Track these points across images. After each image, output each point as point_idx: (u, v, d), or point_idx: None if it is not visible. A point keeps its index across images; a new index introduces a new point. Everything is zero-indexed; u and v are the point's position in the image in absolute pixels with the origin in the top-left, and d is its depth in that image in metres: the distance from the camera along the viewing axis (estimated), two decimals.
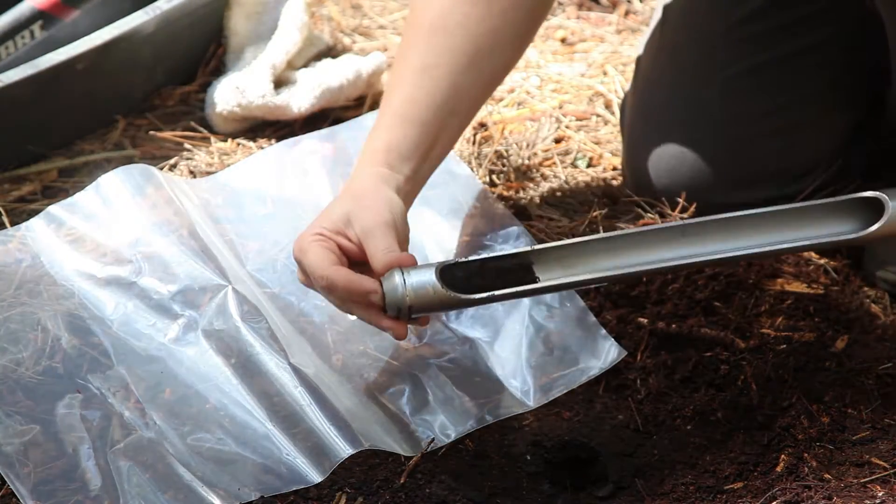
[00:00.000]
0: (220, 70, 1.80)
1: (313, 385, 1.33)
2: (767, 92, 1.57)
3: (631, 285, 1.51)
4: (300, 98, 1.73)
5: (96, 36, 1.62)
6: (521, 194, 1.64)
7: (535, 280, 1.29)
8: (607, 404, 1.41)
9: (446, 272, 1.28)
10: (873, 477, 1.32)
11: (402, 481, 1.30)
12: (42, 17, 1.72)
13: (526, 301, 1.44)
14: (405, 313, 1.28)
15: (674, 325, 1.47)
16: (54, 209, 1.48)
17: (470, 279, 1.29)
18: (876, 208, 1.27)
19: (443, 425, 1.35)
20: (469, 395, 1.38)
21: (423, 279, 1.27)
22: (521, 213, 1.60)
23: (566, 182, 1.68)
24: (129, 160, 1.67)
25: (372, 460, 1.32)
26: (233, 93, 1.71)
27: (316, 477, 1.27)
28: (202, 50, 1.82)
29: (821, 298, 1.51)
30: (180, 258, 1.43)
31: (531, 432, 1.37)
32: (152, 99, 1.77)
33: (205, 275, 1.41)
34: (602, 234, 1.37)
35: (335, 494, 1.29)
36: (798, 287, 1.53)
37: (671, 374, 1.43)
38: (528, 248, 1.31)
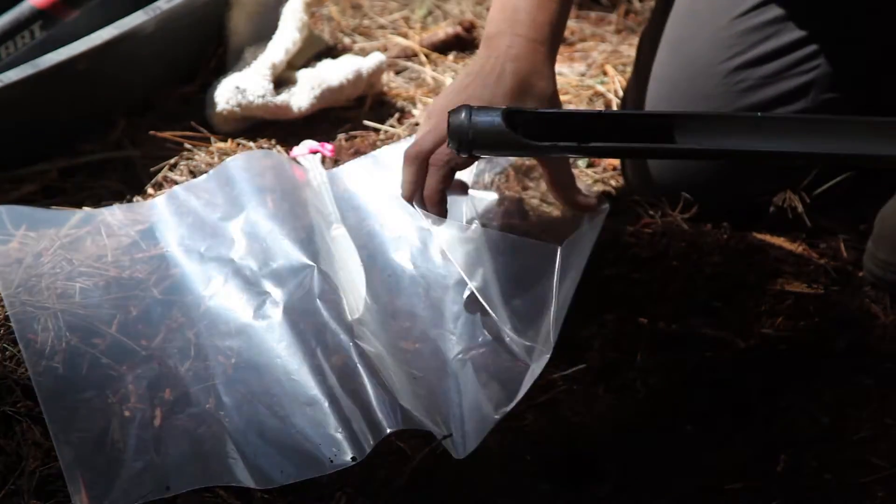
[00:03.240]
0: (220, 70, 1.80)
1: (374, 367, 1.34)
2: (770, 83, 1.57)
3: (632, 284, 1.51)
4: (300, 98, 1.73)
5: (96, 36, 1.62)
6: (521, 194, 1.64)
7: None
8: (607, 404, 1.41)
9: (514, 116, 1.28)
10: (873, 477, 1.32)
11: (402, 481, 1.30)
12: (42, 17, 1.72)
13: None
14: (466, 147, 1.28)
15: (674, 325, 1.47)
16: (179, 189, 1.56)
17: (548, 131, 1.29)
18: None
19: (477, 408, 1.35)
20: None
21: (488, 117, 1.28)
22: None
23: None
24: (129, 160, 1.67)
25: (372, 460, 1.32)
26: (233, 93, 1.71)
27: (357, 453, 1.28)
28: (202, 50, 1.82)
29: (821, 298, 1.52)
30: (279, 238, 1.47)
31: (531, 432, 1.37)
32: (152, 99, 1.77)
33: (296, 255, 1.45)
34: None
35: (335, 494, 1.29)
36: (798, 287, 1.53)
37: (671, 374, 1.43)
38: (608, 111, 1.30)
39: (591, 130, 1.29)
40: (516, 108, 1.30)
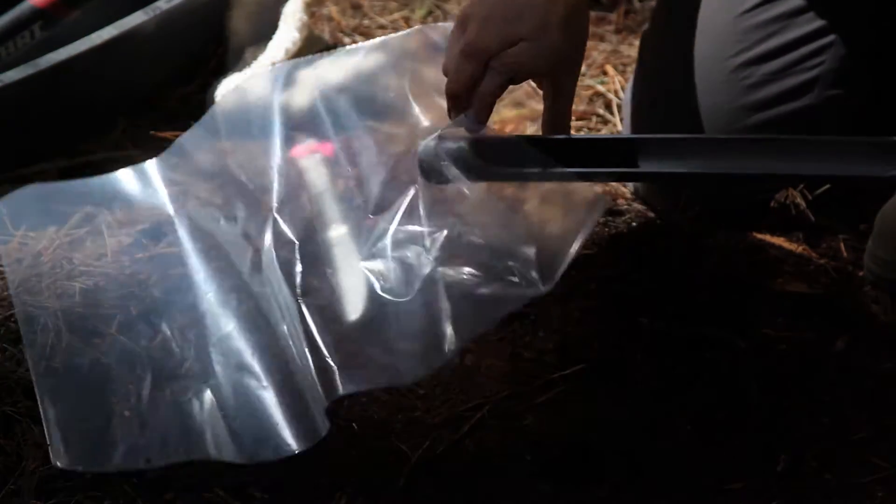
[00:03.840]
0: (220, 70, 1.80)
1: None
2: (774, 79, 1.56)
3: (632, 284, 1.51)
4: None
5: (96, 36, 1.62)
6: (521, 194, 1.64)
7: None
8: (607, 404, 1.41)
9: (480, 143, 1.28)
10: (873, 477, 1.32)
11: (402, 481, 1.30)
12: (42, 17, 1.72)
13: None
14: (435, 175, 1.29)
15: (674, 325, 1.47)
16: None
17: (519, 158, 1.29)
18: None
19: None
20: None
21: (455, 145, 1.28)
22: None
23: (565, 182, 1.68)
24: (129, 160, 1.67)
25: (372, 460, 1.32)
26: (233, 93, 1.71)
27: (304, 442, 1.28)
28: (202, 50, 1.82)
29: (821, 298, 1.52)
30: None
31: (531, 432, 1.37)
32: (152, 99, 1.77)
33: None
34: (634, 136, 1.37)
35: (335, 494, 1.29)
36: (798, 287, 1.53)
37: (671, 374, 1.43)
38: (579, 136, 1.31)
39: (557, 155, 1.29)
40: (483, 136, 1.29)
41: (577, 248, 1.30)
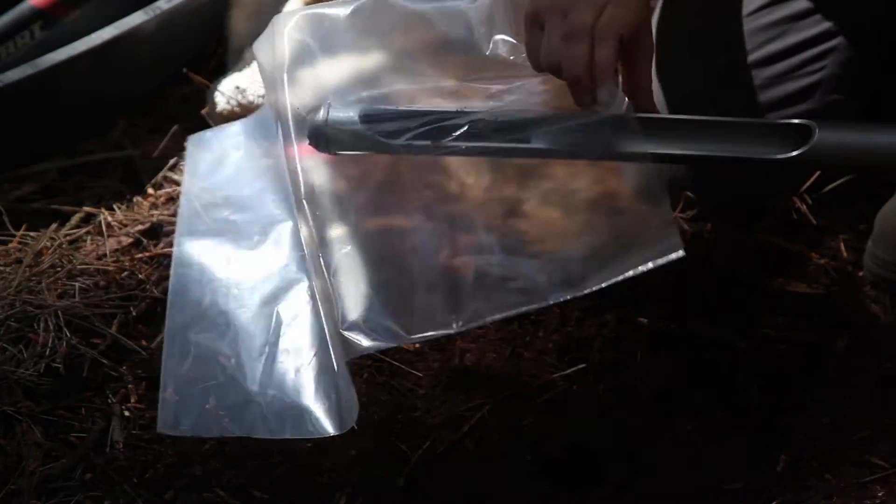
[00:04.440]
0: (220, 70, 1.80)
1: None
2: (776, 83, 1.57)
3: (632, 285, 1.51)
4: None
5: (96, 36, 1.62)
6: (521, 193, 1.64)
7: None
8: (607, 404, 1.41)
9: (372, 114, 1.28)
10: (873, 477, 1.32)
11: (402, 481, 1.30)
12: (42, 17, 1.72)
13: None
14: (324, 144, 1.28)
15: (674, 325, 1.47)
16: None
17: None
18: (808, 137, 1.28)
19: None
20: None
21: (345, 115, 1.27)
22: None
23: (566, 181, 1.68)
24: (129, 160, 1.67)
25: (372, 460, 1.32)
26: (233, 93, 1.71)
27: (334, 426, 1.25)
28: (202, 50, 1.82)
29: (821, 298, 1.52)
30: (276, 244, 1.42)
31: (531, 432, 1.37)
32: (152, 99, 1.77)
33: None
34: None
35: (335, 494, 1.29)
36: (798, 287, 1.53)
37: (671, 374, 1.43)
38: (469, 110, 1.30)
39: (449, 129, 1.28)
40: (374, 107, 1.29)
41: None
